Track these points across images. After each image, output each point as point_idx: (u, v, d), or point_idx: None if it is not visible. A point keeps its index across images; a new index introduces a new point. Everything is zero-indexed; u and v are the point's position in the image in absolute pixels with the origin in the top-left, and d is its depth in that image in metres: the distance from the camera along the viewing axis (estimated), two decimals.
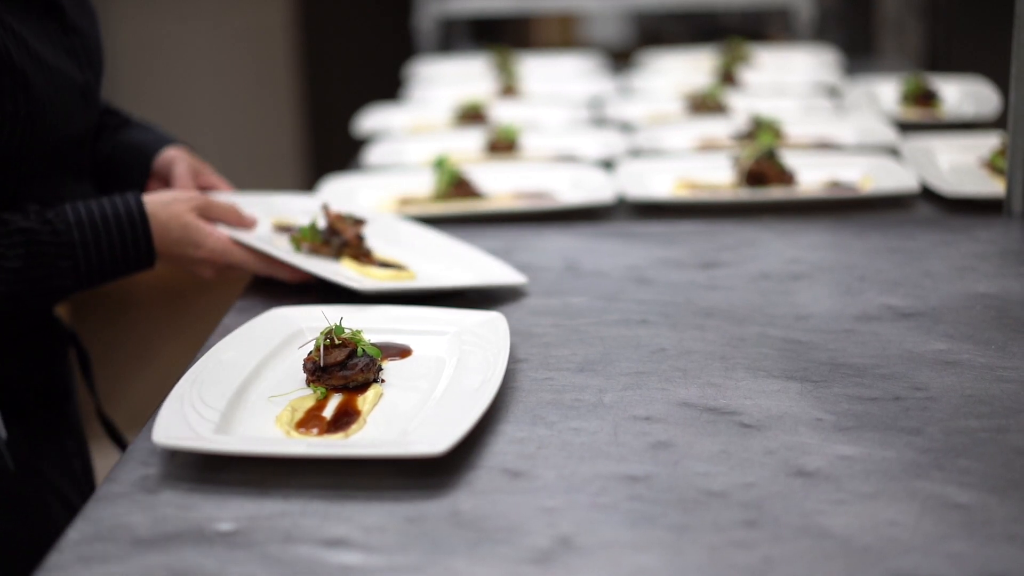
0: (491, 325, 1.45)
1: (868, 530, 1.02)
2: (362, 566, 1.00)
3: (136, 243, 1.56)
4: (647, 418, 1.25)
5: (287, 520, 1.07)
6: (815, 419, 1.24)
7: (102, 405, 1.84)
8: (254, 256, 1.66)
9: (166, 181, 1.84)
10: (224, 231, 1.66)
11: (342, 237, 1.72)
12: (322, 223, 1.74)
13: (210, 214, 1.66)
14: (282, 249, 1.70)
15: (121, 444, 1.85)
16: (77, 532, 1.06)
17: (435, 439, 1.14)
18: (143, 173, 1.85)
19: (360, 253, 1.73)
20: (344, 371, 1.32)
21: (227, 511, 1.09)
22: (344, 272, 1.67)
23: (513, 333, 1.47)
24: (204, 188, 1.84)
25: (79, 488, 1.81)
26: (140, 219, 1.57)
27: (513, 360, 1.41)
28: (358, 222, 1.75)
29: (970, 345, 1.43)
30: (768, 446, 1.18)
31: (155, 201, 1.60)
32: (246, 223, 1.71)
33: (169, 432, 1.18)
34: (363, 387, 1.32)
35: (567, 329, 1.52)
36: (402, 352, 1.42)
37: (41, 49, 1.55)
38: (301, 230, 1.73)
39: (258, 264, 1.67)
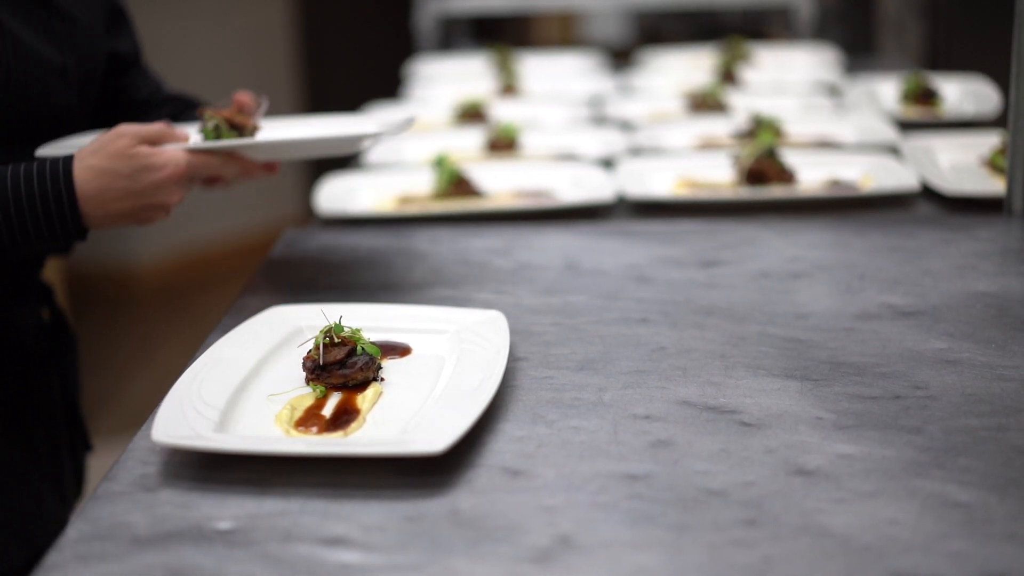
0: (491, 323, 1.44)
1: (868, 529, 1.02)
2: (361, 565, 1.00)
3: (58, 195, 1.48)
4: (647, 417, 1.25)
5: (286, 519, 1.07)
6: (815, 418, 1.23)
7: (79, 396, 1.84)
8: (216, 158, 1.58)
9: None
10: (174, 148, 1.56)
11: (249, 126, 1.68)
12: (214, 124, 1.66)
13: (150, 139, 1.55)
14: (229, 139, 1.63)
15: (85, 442, 1.85)
16: (76, 531, 1.06)
17: (434, 438, 1.14)
18: None
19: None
20: (343, 370, 1.32)
21: (226, 510, 1.09)
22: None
23: (513, 332, 1.47)
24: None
25: (74, 483, 1.81)
26: (64, 174, 1.49)
27: (513, 359, 1.41)
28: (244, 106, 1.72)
29: (970, 344, 1.42)
30: (768, 445, 1.18)
31: (84, 152, 1.52)
32: (180, 137, 1.61)
33: (168, 430, 1.18)
34: (362, 386, 1.32)
35: (567, 328, 1.52)
36: (401, 351, 1.42)
37: (16, 28, 1.56)
38: (206, 133, 1.64)
39: (225, 165, 1.59)
